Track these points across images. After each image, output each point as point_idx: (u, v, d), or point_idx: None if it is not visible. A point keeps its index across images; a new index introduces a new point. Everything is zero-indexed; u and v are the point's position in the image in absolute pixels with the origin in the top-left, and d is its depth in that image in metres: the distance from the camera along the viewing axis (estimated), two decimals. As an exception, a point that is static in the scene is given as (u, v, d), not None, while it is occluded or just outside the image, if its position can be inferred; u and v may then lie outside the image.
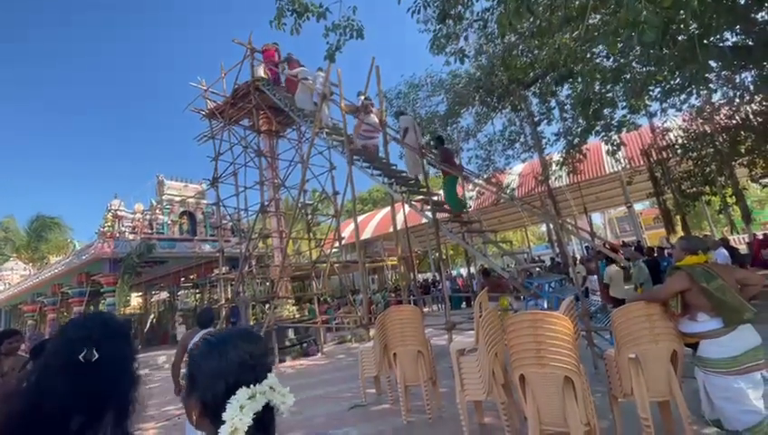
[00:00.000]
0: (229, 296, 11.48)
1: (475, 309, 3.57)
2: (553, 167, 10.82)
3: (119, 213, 13.30)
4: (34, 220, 23.96)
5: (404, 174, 8.29)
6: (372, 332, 7.08)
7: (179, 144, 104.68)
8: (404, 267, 12.08)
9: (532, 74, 9.11)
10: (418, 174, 8.09)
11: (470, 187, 13.03)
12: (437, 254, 14.54)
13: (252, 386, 0.72)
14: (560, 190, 13.78)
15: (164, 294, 24.17)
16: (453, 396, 3.84)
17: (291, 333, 9.84)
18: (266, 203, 10.60)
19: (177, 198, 14.76)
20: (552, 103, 9.82)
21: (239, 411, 0.68)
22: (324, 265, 10.92)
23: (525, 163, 14.83)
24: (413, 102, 12.99)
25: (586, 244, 13.49)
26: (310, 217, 12.20)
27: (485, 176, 11.83)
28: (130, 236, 12.98)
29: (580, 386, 2.52)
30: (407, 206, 7.20)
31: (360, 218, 8.34)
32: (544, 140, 11.08)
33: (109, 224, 13.05)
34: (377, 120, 8.61)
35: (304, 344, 9.78)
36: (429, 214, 6.47)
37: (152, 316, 21.99)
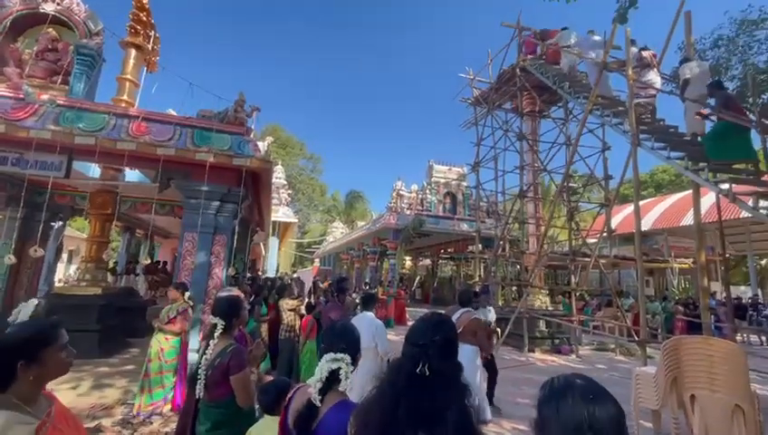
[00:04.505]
0: (481, 274, 12.12)
1: None
2: None
3: (400, 192, 16.47)
4: (349, 194, 33.09)
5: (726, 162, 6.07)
6: (652, 352, 5.85)
7: (446, 128, 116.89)
8: (703, 276, 9.02)
9: None
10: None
11: None
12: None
13: None
14: None
15: (427, 261, 28.54)
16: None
17: (542, 325, 9.41)
18: (525, 188, 10.32)
19: (443, 181, 16.72)
20: None
21: None
22: (587, 258, 9.70)
23: None
24: (742, 50, 9.25)
25: None
26: (573, 203, 11.00)
27: None
28: (407, 212, 15.81)
29: None
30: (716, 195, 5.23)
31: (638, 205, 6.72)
32: None
33: (394, 201, 16.41)
34: (657, 80, 6.75)
35: (556, 341, 9.16)
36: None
37: (418, 277, 26.40)
